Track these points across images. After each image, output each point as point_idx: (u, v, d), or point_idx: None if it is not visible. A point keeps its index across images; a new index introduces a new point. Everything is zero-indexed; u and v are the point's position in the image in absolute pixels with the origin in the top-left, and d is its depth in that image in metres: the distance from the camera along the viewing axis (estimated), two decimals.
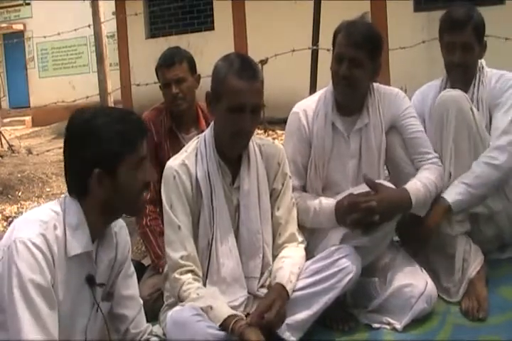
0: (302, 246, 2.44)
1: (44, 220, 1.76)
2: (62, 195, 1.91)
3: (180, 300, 2.21)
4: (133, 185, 1.84)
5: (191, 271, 2.24)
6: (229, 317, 2.09)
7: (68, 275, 1.78)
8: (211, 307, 2.12)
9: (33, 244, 1.70)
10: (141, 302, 2.11)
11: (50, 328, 1.70)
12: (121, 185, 1.82)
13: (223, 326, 2.08)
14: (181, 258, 2.24)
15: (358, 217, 2.37)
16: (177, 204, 2.27)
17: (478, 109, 2.75)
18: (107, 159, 1.79)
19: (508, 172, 2.63)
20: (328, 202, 2.53)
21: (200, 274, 2.28)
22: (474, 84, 2.82)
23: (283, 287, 2.24)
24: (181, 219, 2.27)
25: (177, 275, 2.22)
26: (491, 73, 2.84)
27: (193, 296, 2.17)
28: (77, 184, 1.83)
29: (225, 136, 2.28)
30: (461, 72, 2.80)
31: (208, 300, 2.16)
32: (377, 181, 2.48)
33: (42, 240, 1.72)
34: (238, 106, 2.21)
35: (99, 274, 1.89)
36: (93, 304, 1.89)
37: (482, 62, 2.87)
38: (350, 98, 2.60)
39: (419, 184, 2.51)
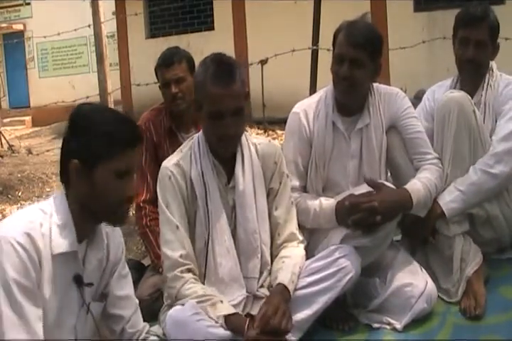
0: (302, 245, 2.44)
1: (30, 219, 1.77)
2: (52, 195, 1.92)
3: (179, 298, 2.20)
4: (112, 193, 1.82)
5: (191, 270, 2.25)
6: (240, 315, 2.13)
7: (54, 273, 1.78)
8: (221, 301, 2.16)
9: (18, 243, 1.70)
10: (137, 301, 2.11)
11: (35, 327, 1.70)
12: (98, 187, 1.81)
13: (232, 318, 2.09)
14: (180, 256, 2.24)
15: (359, 218, 2.37)
16: (173, 205, 2.28)
17: (485, 113, 2.76)
18: (87, 154, 1.79)
19: (503, 181, 2.64)
20: (328, 203, 2.52)
21: (198, 273, 2.28)
22: (483, 87, 2.82)
23: (285, 288, 2.23)
24: (178, 219, 2.28)
25: (179, 274, 2.22)
26: (500, 77, 2.84)
27: (200, 293, 2.17)
28: (62, 171, 1.86)
29: (212, 140, 2.30)
30: (473, 69, 2.81)
31: (217, 296, 2.18)
32: (378, 181, 2.49)
33: (26, 239, 1.72)
34: (216, 113, 2.22)
35: (87, 274, 1.88)
36: (82, 304, 1.89)
37: (493, 65, 2.88)
38: (351, 98, 2.60)
39: (419, 184, 2.51)
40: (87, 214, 1.85)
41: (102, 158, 1.80)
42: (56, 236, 1.78)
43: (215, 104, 2.21)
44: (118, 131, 1.81)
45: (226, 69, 2.25)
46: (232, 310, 2.15)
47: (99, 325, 1.97)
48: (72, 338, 1.87)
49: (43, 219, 1.79)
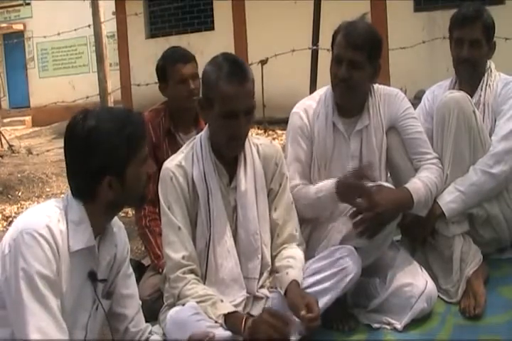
0: (301, 247, 2.44)
1: (48, 214, 1.78)
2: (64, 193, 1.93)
3: (180, 297, 2.20)
4: (140, 180, 1.88)
5: (193, 271, 2.25)
6: (240, 314, 2.12)
7: (71, 270, 1.79)
8: (221, 300, 2.16)
9: (40, 234, 1.72)
10: (140, 301, 2.12)
11: (60, 318, 1.71)
12: (129, 184, 1.85)
13: (232, 317, 2.09)
14: (183, 258, 2.24)
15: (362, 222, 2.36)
16: (175, 206, 2.27)
17: (484, 112, 2.77)
18: (116, 165, 1.81)
19: (503, 181, 2.65)
20: (327, 182, 2.49)
21: (200, 274, 2.28)
22: (482, 87, 2.83)
23: (299, 285, 2.23)
24: (180, 220, 2.27)
25: (181, 275, 2.22)
26: (498, 77, 2.85)
27: (201, 293, 2.17)
28: (84, 190, 1.84)
29: (221, 140, 2.27)
30: (469, 69, 2.81)
31: (217, 296, 2.18)
32: (377, 183, 2.48)
33: (47, 231, 1.73)
34: (231, 112, 2.19)
35: (100, 270, 1.90)
36: (94, 300, 1.90)
37: (491, 64, 2.88)
38: (349, 100, 2.60)
39: (420, 183, 2.51)
40: (108, 211, 1.87)
41: (129, 160, 1.83)
42: (73, 233, 1.79)
43: (230, 103, 2.19)
44: (131, 131, 1.82)
45: (240, 68, 2.24)
46: (232, 309, 2.15)
47: (110, 321, 1.98)
48: (82, 335, 1.88)
49: (59, 216, 1.80)
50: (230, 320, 2.10)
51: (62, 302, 1.76)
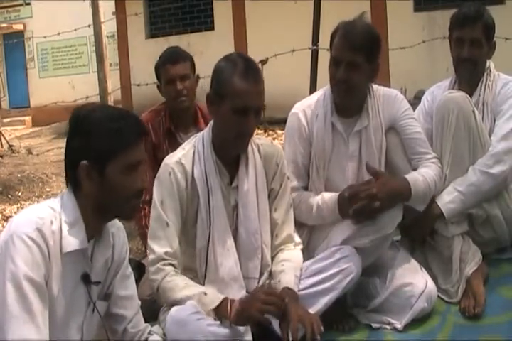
0: (298, 247, 2.43)
1: (41, 216, 1.78)
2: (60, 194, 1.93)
3: (160, 290, 2.19)
4: (123, 187, 1.84)
5: (172, 265, 2.24)
6: (225, 299, 2.11)
7: (63, 272, 1.79)
8: (205, 293, 2.14)
9: (30, 237, 1.71)
10: (139, 302, 2.11)
11: (41, 323, 1.70)
12: (109, 184, 1.82)
13: (219, 309, 2.08)
14: (165, 253, 2.23)
15: (360, 207, 2.36)
16: (168, 202, 2.27)
17: (483, 112, 2.77)
18: (96, 153, 1.80)
19: (502, 181, 2.65)
20: (330, 195, 2.53)
21: (180, 269, 2.27)
22: (481, 87, 2.83)
23: (293, 292, 2.22)
24: (170, 217, 2.26)
25: (160, 266, 2.21)
26: (498, 77, 2.85)
27: (182, 285, 2.17)
28: (70, 174, 1.86)
29: (229, 136, 2.27)
30: (469, 68, 2.81)
31: (198, 287, 2.17)
32: (378, 170, 2.49)
33: (38, 234, 1.73)
34: (243, 108, 2.20)
35: (94, 273, 1.89)
36: (89, 302, 1.90)
37: (491, 64, 2.88)
38: (349, 101, 2.59)
39: (419, 177, 2.52)
40: (97, 213, 1.86)
41: (112, 156, 1.81)
42: (66, 234, 1.79)
43: (244, 100, 2.20)
44: (121, 126, 1.82)
45: (254, 67, 2.27)
46: (218, 300, 2.12)
47: (105, 323, 1.97)
48: (78, 337, 1.88)
49: (53, 217, 1.79)
50: (218, 312, 2.09)
51: (53, 304, 1.76)
